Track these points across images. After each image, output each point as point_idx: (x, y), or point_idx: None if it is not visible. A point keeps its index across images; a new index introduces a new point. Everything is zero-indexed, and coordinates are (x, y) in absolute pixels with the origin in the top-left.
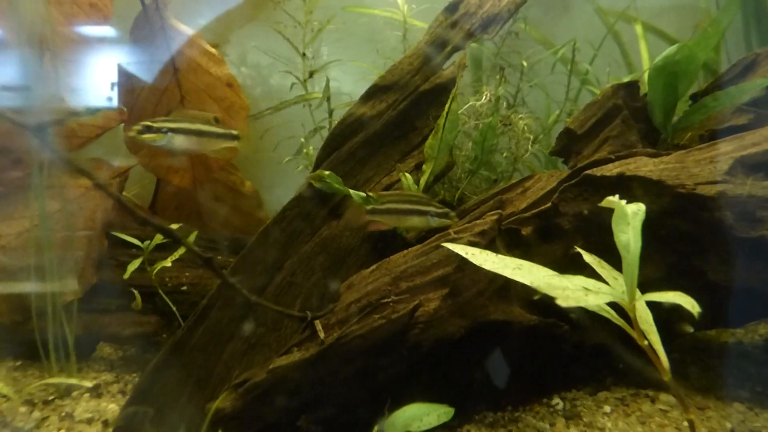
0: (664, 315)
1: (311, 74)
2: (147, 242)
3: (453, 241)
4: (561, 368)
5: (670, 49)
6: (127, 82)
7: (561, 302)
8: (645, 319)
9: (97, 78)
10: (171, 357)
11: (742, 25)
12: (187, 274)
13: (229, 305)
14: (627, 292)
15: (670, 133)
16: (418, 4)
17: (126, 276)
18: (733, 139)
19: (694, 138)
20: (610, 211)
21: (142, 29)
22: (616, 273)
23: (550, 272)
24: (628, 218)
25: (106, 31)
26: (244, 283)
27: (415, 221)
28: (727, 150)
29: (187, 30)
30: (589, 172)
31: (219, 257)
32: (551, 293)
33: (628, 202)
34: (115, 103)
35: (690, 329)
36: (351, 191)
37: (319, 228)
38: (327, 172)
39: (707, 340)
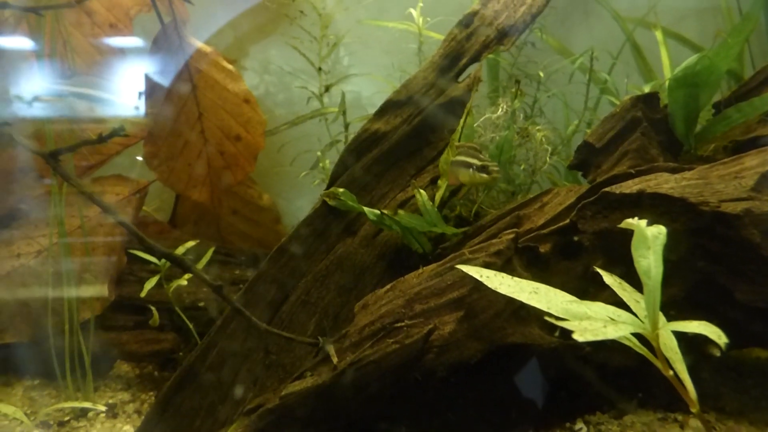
0: (692, 336)
1: (327, 88)
2: (163, 261)
3: (468, 261)
4: (584, 391)
5: (690, 60)
6: (153, 93)
7: (578, 337)
8: (670, 346)
9: (125, 88)
10: (185, 379)
11: (766, 30)
12: (204, 290)
13: (244, 326)
14: (649, 319)
15: (693, 145)
16: (433, 16)
17: (143, 294)
18: (759, 153)
19: (718, 149)
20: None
21: (162, 47)
22: (638, 295)
23: (569, 297)
24: (649, 242)
25: (133, 41)
26: (259, 302)
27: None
28: (753, 164)
29: (205, 47)
30: (608, 189)
31: (237, 271)
32: (568, 326)
33: (649, 223)
34: (142, 111)
35: (718, 353)
36: (365, 209)
37: (333, 245)
38: (341, 189)
39: (741, 359)
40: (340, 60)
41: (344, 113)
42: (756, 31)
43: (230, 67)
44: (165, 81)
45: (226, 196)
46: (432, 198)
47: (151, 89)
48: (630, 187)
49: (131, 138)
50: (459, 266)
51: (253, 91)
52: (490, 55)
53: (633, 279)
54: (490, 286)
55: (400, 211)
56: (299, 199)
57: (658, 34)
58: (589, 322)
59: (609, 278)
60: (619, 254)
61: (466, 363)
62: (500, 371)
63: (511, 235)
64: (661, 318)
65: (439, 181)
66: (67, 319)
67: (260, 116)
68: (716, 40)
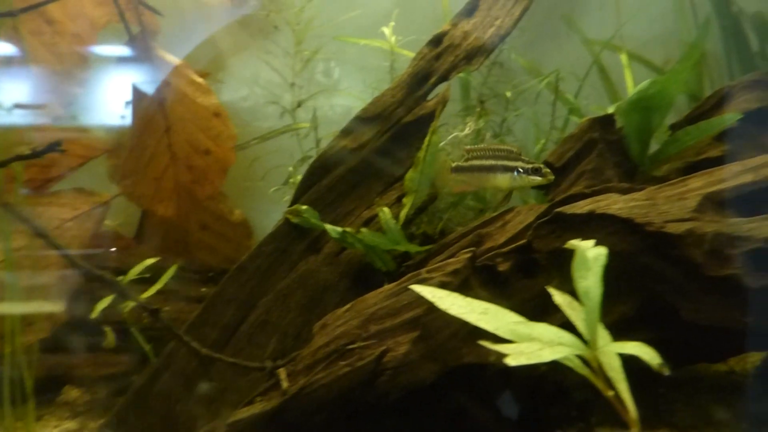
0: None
1: (299, 104)
2: (121, 277)
3: (424, 281)
4: (543, 409)
5: (644, 84)
6: (140, 102)
7: (511, 361)
8: (613, 366)
9: (110, 97)
10: (132, 406)
11: (724, 54)
12: (167, 308)
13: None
14: (588, 341)
15: (648, 166)
16: (406, 34)
17: (94, 315)
18: (703, 175)
19: (672, 170)
20: None
21: (127, 58)
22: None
23: (517, 318)
24: (589, 263)
25: (119, 50)
26: (216, 323)
27: (499, 180)
28: (696, 186)
29: (174, 60)
30: (560, 209)
31: (204, 288)
32: (502, 349)
33: (599, 242)
34: (128, 121)
35: (667, 371)
36: (327, 226)
37: (296, 264)
38: (304, 207)
39: (698, 373)
40: (315, 76)
41: (316, 129)
42: (715, 55)
43: (200, 80)
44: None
45: (195, 211)
46: (396, 216)
47: (139, 99)
48: (581, 207)
49: (94, 151)
50: (412, 287)
51: (233, 105)
52: (461, 75)
53: (608, 295)
54: (440, 307)
55: (363, 229)
56: (272, 215)
57: (623, 58)
58: (526, 345)
59: (559, 298)
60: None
61: (420, 385)
62: (455, 393)
63: (468, 255)
64: (604, 338)
65: (404, 199)
66: (10, 341)
67: (231, 130)
68: (667, 66)
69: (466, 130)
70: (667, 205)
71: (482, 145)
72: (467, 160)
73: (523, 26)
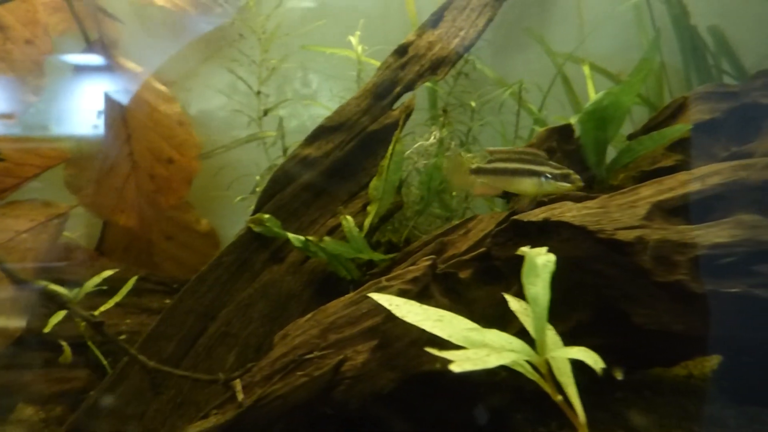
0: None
1: (266, 113)
2: (76, 290)
3: (383, 289)
4: (503, 416)
5: (599, 95)
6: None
7: (455, 367)
8: (563, 371)
9: (84, 105)
10: (84, 422)
11: (682, 66)
12: (127, 321)
13: (155, 361)
14: (537, 346)
15: (604, 175)
16: (374, 44)
17: (47, 329)
18: (653, 184)
19: (627, 178)
20: None
21: (87, 66)
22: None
23: (471, 325)
24: (538, 270)
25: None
26: (173, 335)
27: (526, 184)
28: (647, 195)
29: (135, 67)
30: (516, 217)
31: (167, 300)
32: (448, 356)
33: (552, 249)
34: (101, 131)
35: (620, 375)
36: (290, 235)
37: (259, 273)
38: (266, 216)
39: (659, 377)
40: (282, 84)
41: (283, 138)
42: (674, 67)
43: (163, 88)
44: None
45: (159, 221)
46: (361, 224)
47: (112, 109)
48: (536, 215)
49: (51, 160)
50: (370, 295)
51: (200, 113)
52: (429, 85)
53: (564, 301)
54: (397, 315)
55: (326, 238)
56: (240, 225)
57: (586, 69)
58: (473, 351)
59: (515, 304)
60: None
61: (379, 393)
62: (415, 401)
63: (428, 262)
64: (555, 343)
65: (368, 207)
66: None
67: (195, 139)
68: (617, 80)
69: (431, 139)
70: (619, 213)
71: (507, 147)
72: (490, 162)
73: (490, 38)
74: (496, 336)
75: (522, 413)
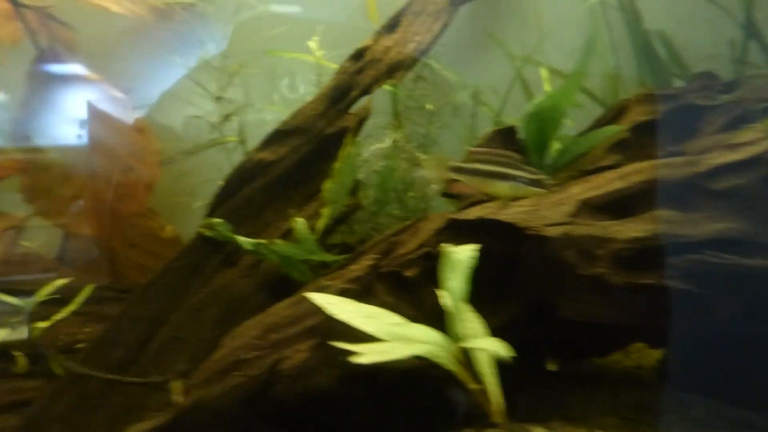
0: (536, 351)
1: (227, 117)
2: (30, 300)
3: (324, 288)
4: (445, 408)
5: (539, 98)
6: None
7: (361, 359)
8: (483, 361)
9: (38, 114)
10: (32, 428)
11: (636, 69)
12: (86, 329)
13: (102, 367)
14: (453, 338)
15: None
16: (336, 49)
17: None
18: (582, 182)
19: (569, 178)
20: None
21: (38, 74)
22: (470, 316)
23: (398, 320)
24: (456, 265)
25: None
26: (122, 341)
27: (499, 187)
28: (575, 192)
29: (91, 75)
30: (454, 216)
31: None
32: (357, 349)
33: (486, 247)
34: (85, 140)
35: (554, 367)
36: (240, 238)
37: (211, 278)
38: (217, 220)
39: (603, 368)
40: (242, 90)
41: (244, 143)
42: (628, 67)
43: (120, 95)
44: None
45: (121, 229)
46: (312, 228)
47: (96, 118)
48: (472, 214)
49: (5, 170)
50: (306, 294)
51: (161, 120)
52: (390, 89)
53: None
54: (329, 312)
55: (277, 240)
56: None
57: (543, 72)
58: (384, 344)
59: (447, 299)
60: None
61: (319, 390)
62: (356, 397)
63: (370, 262)
64: (477, 336)
65: (322, 210)
66: None
67: (154, 146)
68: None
69: (387, 142)
70: (548, 211)
71: (487, 149)
72: (469, 162)
73: (453, 43)
74: (418, 330)
75: (466, 405)
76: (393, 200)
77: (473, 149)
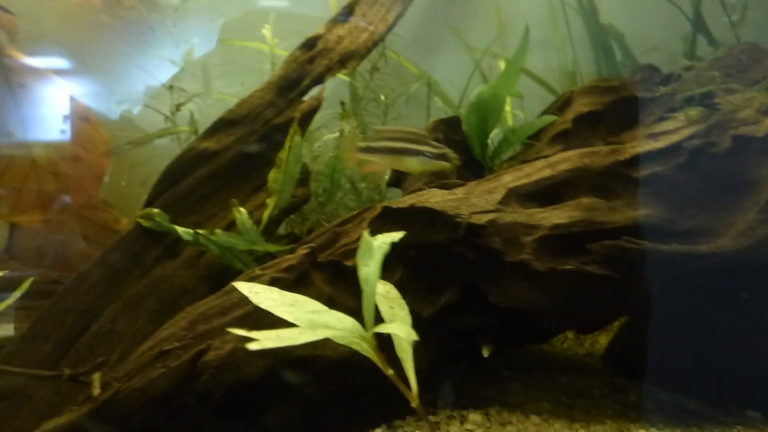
0: (470, 337)
1: (178, 107)
2: None
3: (256, 278)
4: (382, 398)
5: (481, 88)
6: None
7: (254, 345)
8: (403, 347)
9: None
10: None
11: (593, 57)
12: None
13: (29, 364)
14: (366, 323)
15: (488, 164)
16: (284, 38)
17: None
18: (513, 171)
19: (512, 167)
20: None
21: None
22: (396, 302)
23: (319, 308)
24: (373, 252)
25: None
26: (51, 335)
27: (409, 163)
28: (506, 181)
29: (32, 62)
30: (386, 204)
31: None
32: (254, 335)
33: (418, 234)
34: (68, 135)
35: (486, 352)
36: (178, 229)
37: (150, 269)
38: (156, 210)
39: (544, 355)
40: (195, 79)
41: (196, 132)
42: (585, 59)
43: (65, 84)
44: None
45: (72, 220)
46: (257, 221)
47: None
48: (405, 202)
49: None
50: (233, 283)
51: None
52: (350, 79)
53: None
54: (254, 301)
55: (218, 231)
56: None
57: (501, 64)
58: (286, 330)
59: (381, 287)
60: (410, 264)
61: (247, 381)
62: (287, 387)
63: (305, 251)
64: (400, 321)
65: (268, 200)
66: None
67: (102, 135)
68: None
69: (337, 133)
70: (478, 198)
71: (392, 127)
72: (376, 140)
73: (415, 35)
74: (333, 317)
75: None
76: (344, 190)
77: (378, 128)
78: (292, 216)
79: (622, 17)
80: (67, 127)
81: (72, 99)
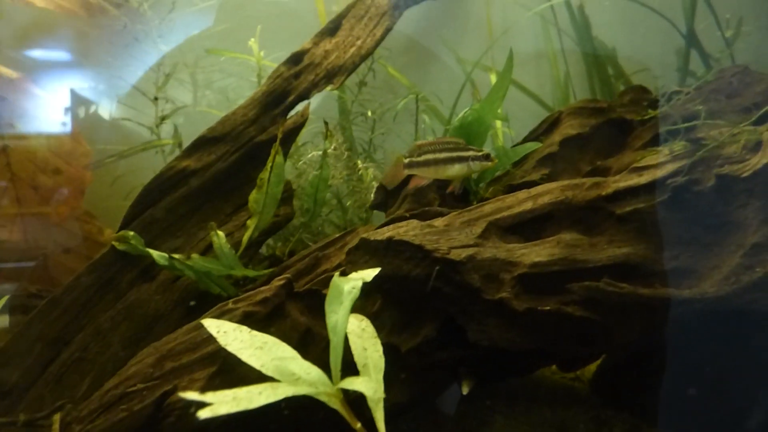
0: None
1: (162, 119)
2: None
3: (227, 312)
4: None
5: (465, 112)
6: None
7: (204, 413)
8: (373, 400)
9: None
10: None
11: (586, 75)
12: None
13: None
14: (333, 376)
15: (474, 188)
16: (271, 51)
17: None
18: (495, 201)
19: (498, 191)
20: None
21: None
22: (370, 342)
23: (288, 353)
24: (342, 297)
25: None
26: (18, 363)
27: (456, 169)
28: (487, 212)
29: (10, 72)
30: (365, 236)
31: None
32: (208, 399)
33: (396, 268)
34: (69, 128)
35: (466, 389)
36: (154, 253)
37: (125, 293)
38: (131, 233)
39: (530, 382)
40: (180, 90)
41: (180, 145)
42: (579, 76)
43: (45, 95)
44: None
45: (53, 233)
46: (235, 245)
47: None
48: (383, 234)
49: None
50: (203, 321)
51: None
52: (339, 94)
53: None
54: (221, 343)
55: (194, 255)
56: None
57: (492, 77)
58: (240, 390)
59: (353, 325)
60: (389, 297)
61: (216, 422)
62: (254, 429)
63: (281, 282)
64: (373, 370)
65: (248, 221)
66: None
67: (84, 147)
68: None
69: (322, 149)
70: (458, 232)
71: (431, 140)
72: (419, 154)
73: (406, 47)
74: (300, 366)
75: None
76: (328, 209)
77: (420, 143)
78: (275, 236)
79: (616, 30)
80: (68, 119)
81: (73, 92)
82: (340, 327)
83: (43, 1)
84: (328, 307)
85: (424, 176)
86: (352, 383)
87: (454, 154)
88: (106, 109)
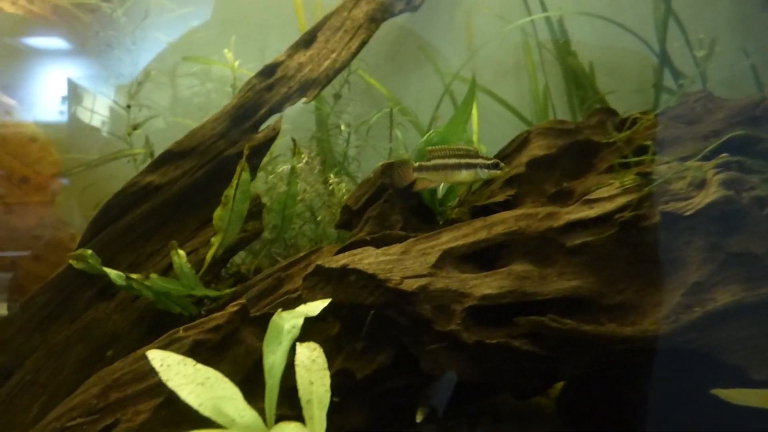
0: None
1: (135, 128)
2: None
3: (177, 341)
4: None
5: (430, 134)
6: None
7: None
8: None
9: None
10: None
11: (565, 91)
12: None
13: None
14: (267, 419)
15: (438, 209)
16: (247, 59)
17: None
18: (452, 229)
19: (463, 213)
20: None
21: None
22: (318, 375)
23: (228, 392)
24: (281, 337)
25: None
26: None
27: (464, 175)
28: (443, 241)
29: None
30: (320, 263)
31: None
32: None
33: (350, 295)
34: (65, 117)
35: (420, 417)
36: (111, 272)
37: (82, 313)
38: (89, 251)
39: (527, 407)
40: (153, 99)
41: (152, 155)
42: (558, 92)
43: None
44: None
45: (20, 242)
46: (196, 264)
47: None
48: (338, 261)
49: None
50: (147, 353)
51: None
52: (316, 106)
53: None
54: (162, 377)
55: (153, 275)
56: None
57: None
58: None
59: (301, 355)
60: (348, 324)
61: None
62: None
63: (235, 308)
64: (318, 406)
65: (213, 239)
66: None
67: (52, 156)
68: (434, 123)
69: (300, 163)
70: (412, 261)
71: (443, 146)
72: (429, 159)
73: (388, 58)
74: (234, 407)
75: None
76: (301, 222)
77: (431, 148)
78: (245, 249)
79: (594, 45)
80: (65, 108)
81: (69, 81)
82: (277, 369)
83: (13, 6)
84: (266, 348)
85: (431, 180)
86: (285, 429)
87: (463, 161)
88: (83, 116)
